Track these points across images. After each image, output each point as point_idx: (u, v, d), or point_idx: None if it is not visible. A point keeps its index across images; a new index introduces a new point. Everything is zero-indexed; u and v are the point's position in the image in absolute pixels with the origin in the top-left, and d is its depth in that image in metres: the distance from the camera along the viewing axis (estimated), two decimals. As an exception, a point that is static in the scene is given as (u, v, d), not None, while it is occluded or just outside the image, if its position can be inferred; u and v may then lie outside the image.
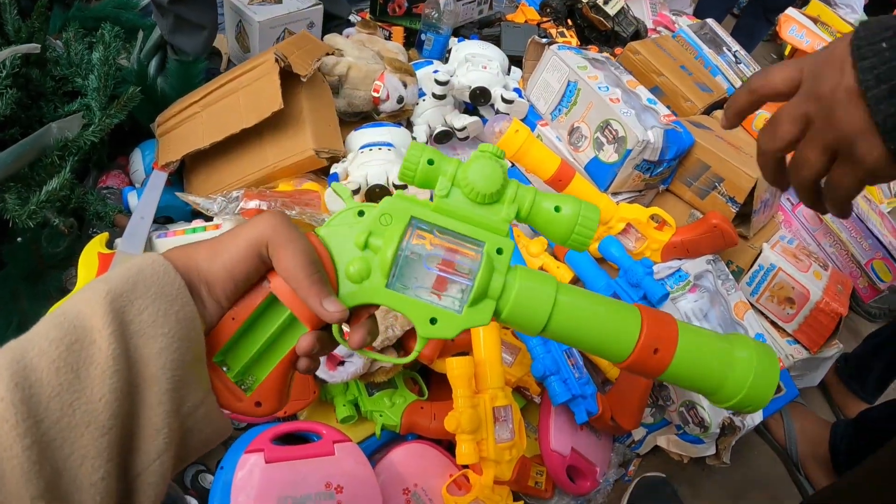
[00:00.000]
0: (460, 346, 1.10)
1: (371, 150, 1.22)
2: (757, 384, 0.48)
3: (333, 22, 1.71)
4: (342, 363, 1.04)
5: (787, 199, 1.52)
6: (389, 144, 1.24)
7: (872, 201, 1.59)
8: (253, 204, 1.09)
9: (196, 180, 1.30)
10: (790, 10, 1.49)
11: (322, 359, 0.93)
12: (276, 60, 1.18)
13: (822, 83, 0.52)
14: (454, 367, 0.99)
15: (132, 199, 1.24)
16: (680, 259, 1.19)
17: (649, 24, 1.90)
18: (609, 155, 1.18)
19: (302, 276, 0.45)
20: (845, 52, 0.51)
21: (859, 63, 0.49)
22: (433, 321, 0.46)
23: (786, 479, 1.40)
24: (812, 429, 1.39)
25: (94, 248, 1.13)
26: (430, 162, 0.49)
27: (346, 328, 0.49)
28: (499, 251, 0.47)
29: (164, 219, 1.28)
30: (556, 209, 0.48)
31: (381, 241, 0.46)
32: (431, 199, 0.49)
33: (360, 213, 0.48)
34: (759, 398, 0.48)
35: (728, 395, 0.49)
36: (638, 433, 1.24)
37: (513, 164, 1.24)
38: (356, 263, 0.46)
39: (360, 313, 0.49)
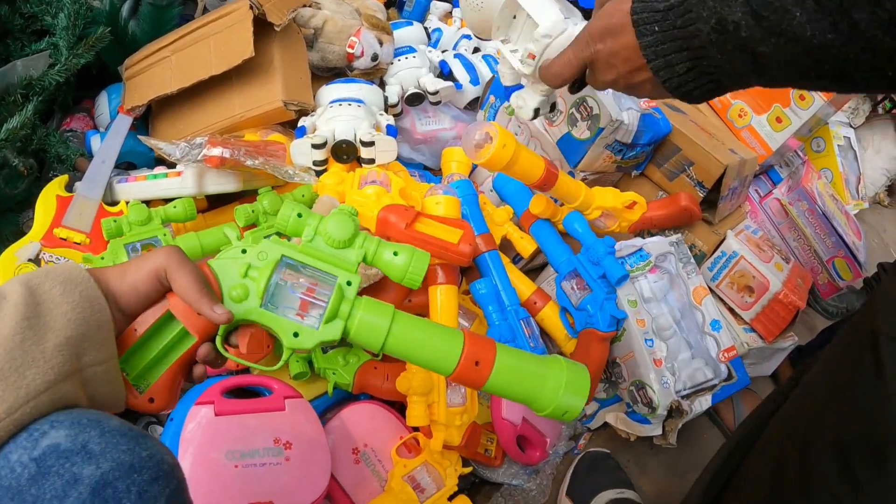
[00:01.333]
0: (418, 306, 1.08)
1: (341, 104, 1.18)
2: (567, 399, 0.61)
3: None
4: None
5: (756, 190, 1.51)
6: (360, 101, 1.21)
7: (839, 201, 1.59)
8: (216, 151, 1.04)
9: (161, 126, 1.26)
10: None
11: None
12: (251, 7, 1.14)
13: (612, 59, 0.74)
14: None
15: (95, 142, 1.20)
16: (643, 238, 1.18)
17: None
18: (581, 131, 1.16)
19: (194, 291, 0.56)
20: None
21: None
22: (296, 335, 0.59)
23: (731, 463, 1.41)
24: (760, 416, 1.40)
25: (52, 191, 1.09)
26: (299, 216, 0.64)
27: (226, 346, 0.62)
28: (348, 283, 0.61)
29: (127, 164, 1.24)
30: (395, 254, 0.65)
31: (258, 272, 0.60)
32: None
33: (244, 251, 0.61)
34: (572, 410, 0.61)
35: (542, 406, 0.62)
36: (590, 408, 1.23)
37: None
38: (237, 288, 0.59)
39: (243, 330, 0.61)
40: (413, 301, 1.09)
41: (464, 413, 0.99)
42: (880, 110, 2.49)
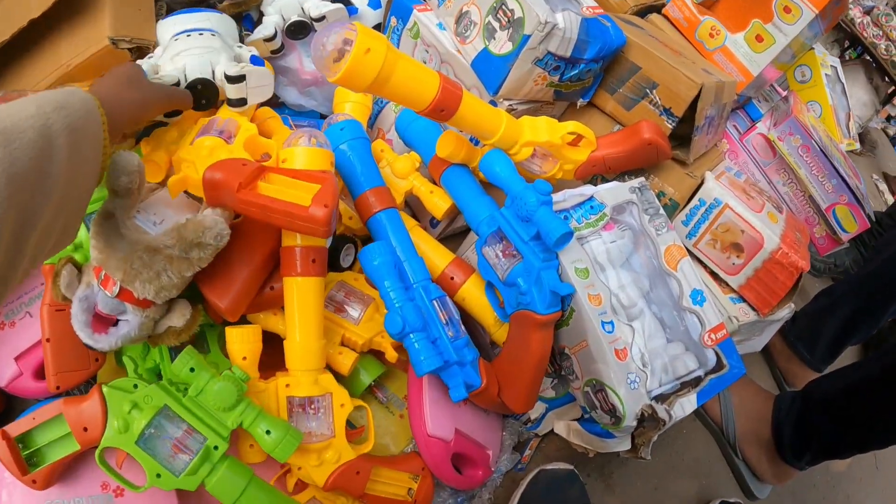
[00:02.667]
0: (280, 295, 0.69)
1: (189, 35, 0.80)
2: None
3: None
4: (117, 323, 0.64)
5: (734, 125, 1.11)
6: (211, 30, 0.81)
7: (833, 140, 1.19)
8: None
9: (5, 84, 0.92)
10: None
11: (86, 317, 0.64)
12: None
13: None
14: (228, 340, 0.67)
15: None
16: (594, 186, 0.78)
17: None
18: (501, 44, 0.76)
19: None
20: None
21: None
22: (158, 476, 0.60)
23: (719, 463, 1.03)
24: (752, 403, 1.02)
25: None
26: (192, 370, 0.62)
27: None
28: (215, 447, 0.61)
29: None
30: (267, 432, 0.62)
31: (140, 414, 0.60)
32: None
33: (135, 386, 0.62)
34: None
35: None
36: (536, 410, 0.85)
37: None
38: (120, 419, 0.60)
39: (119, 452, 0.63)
40: (276, 289, 0.69)
41: (326, 449, 0.66)
42: (847, 57, 2.13)
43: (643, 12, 1.07)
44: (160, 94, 0.68)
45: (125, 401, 0.61)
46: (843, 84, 1.39)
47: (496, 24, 0.77)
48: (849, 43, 2.13)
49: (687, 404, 0.73)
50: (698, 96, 0.81)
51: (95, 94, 0.54)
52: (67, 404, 0.61)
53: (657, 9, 1.09)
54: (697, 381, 0.75)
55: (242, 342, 0.66)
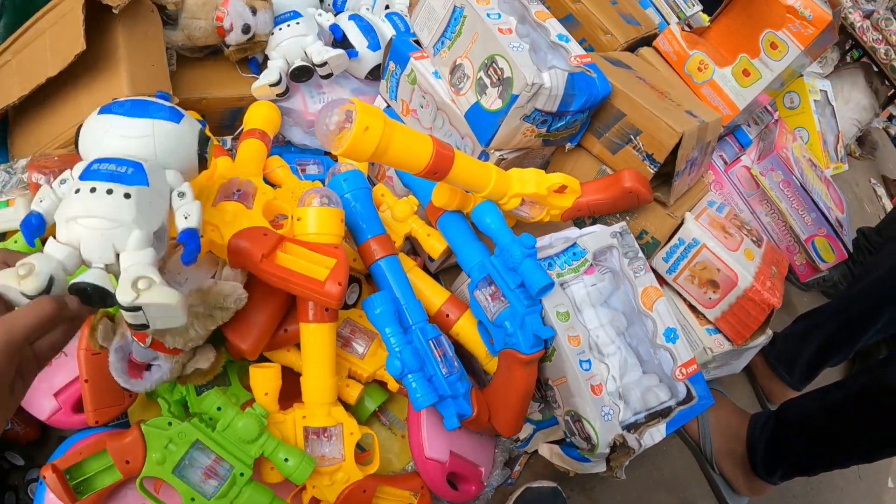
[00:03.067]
0: (294, 336, 0.78)
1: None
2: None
3: None
4: (149, 368, 0.74)
5: (720, 156, 1.18)
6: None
7: (818, 166, 1.26)
8: (36, 177, 0.79)
9: (18, 140, 0.98)
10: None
11: (122, 365, 0.73)
12: (82, -9, 0.83)
13: None
14: (252, 378, 0.76)
15: None
16: (578, 229, 0.86)
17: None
18: (492, 101, 0.83)
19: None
20: None
21: None
22: (192, 499, 0.69)
23: (697, 477, 1.12)
24: (728, 421, 1.11)
25: None
26: (219, 408, 0.74)
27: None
28: (241, 474, 0.70)
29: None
30: (286, 459, 0.72)
31: (176, 447, 0.69)
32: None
33: (170, 424, 0.70)
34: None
35: None
36: (524, 430, 0.95)
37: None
38: (158, 453, 0.68)
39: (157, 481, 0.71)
40: (289, 331, 0.79)
41: (337, 471, 0.76)
42: (849, 59, 2.18)
43: (634, 46, 1.14)
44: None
45: (162, 437, 0.69)
46: (833, 107, 1.45)
47: (487, 81, 0.84)
48: (850, 44, 2.18)
49: (656, 433, 0.81)
50: (679, 143, 0.88)
51: None
52: (111, 440, 0.69)
53: (648, 41, 1.16)
54: (668, 411, 0.84)
55: (265, 381, 0.75)
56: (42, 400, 0.77)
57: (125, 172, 0.55)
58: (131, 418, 0.82)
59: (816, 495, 1.29)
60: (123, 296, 0.51)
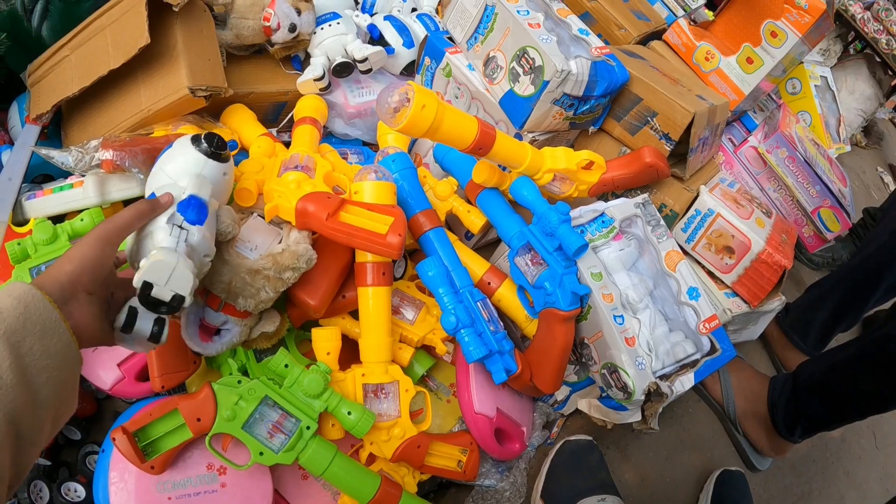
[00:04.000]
0: (352, 301, 0.91)
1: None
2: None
3: None
4: (218, 332, 0.86)
5: (729, 139, 1.32)
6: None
7: (821, 146, 1.40)
8: (110, 154, 0.89)
9: (73, 131, 1.09)
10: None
11: (194, 329, 0.83)
12: (144, -11, 0.96)
13: None
14: (315, 339, 0.87)
15: (6, 157, 1.03)
16: (605, 202, 0.99)
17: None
18: (525, 87, 0.97)
19: (135, 215, 0.69)
20: None
21: None
22: (261, 453, 0.76)
23: (722, 437, 1.25)
24: (750, 384, 1.23)
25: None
26: (286, 366, 0.81)
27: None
28: (307, 427, 0.78)
29: (43, 177, 1.07)
30: (348, 412, 0.81)
31: (246, 403, 0.77)
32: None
33: (239, 382, 0.78)
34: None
35: None
36: (561, 392, 1.07)
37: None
38: (228, 410, 0.76)
39: (225, 437, 0.80)
40: (347, 297, 0.91)
41: (394, 426, 0.86)
42: (852, 51, 2.32)
43: (646, 40, 1.29)
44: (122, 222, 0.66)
45: (233, 394, 0.76)
46: (833, 92, 1.60)
47: (520, 70, 0.99)
48: (853, 36, 2.32)
49: (686, 381, 0.94)
50: (692, 122, 1.02)
51: (40, 284, 0.56)
52: (183, 400, 0.76)
53: (658, 35, 1.31)
54: (695, 363, 0.97)
55: (327, 340, 0.87)
56: (105, 371, 0.86)
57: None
58: (189, 389, 0.90)
59: (836, 461, 1.41)
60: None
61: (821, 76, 1.57)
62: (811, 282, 1.45)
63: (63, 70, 1.06)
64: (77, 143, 1.04)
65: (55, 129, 1.12)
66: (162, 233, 0.68)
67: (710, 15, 1.58)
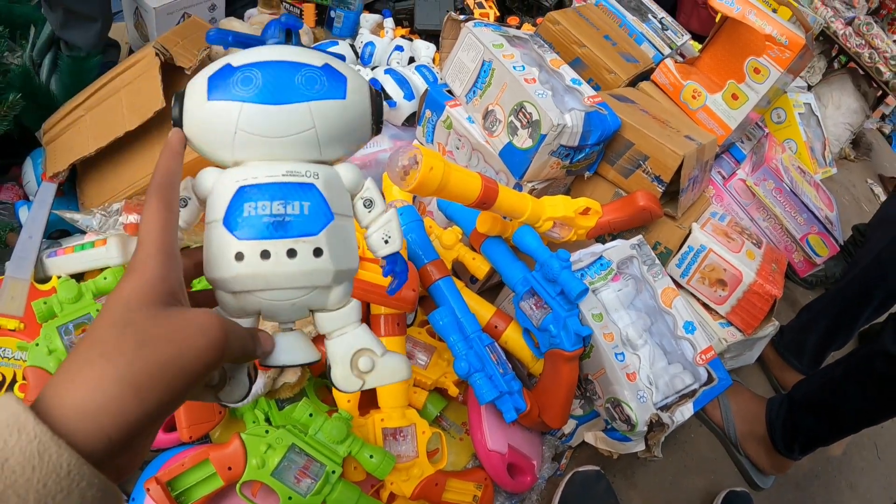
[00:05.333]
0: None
1: None
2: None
3: (239, 2, 1.55)
4: None
5: (719, 172, 1.42)
6: None
7: (807, 172, 1.50)
8: (133, 218, 0.97)
9: (89, 189, 1.17)
10: (718, -25, 1.37)
11: None
12: (157, 54, 1.04)
13: None
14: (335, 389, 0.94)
15: (24, 214, 1.11)
16: (602, 244, 1.09)
17: (577, -9, 1.77)
18: (523, 140, 1.06)
19: (248, 348, 0.44)
20: None
21: None
22: (290, 498, 0.81)
23: (725, 460, 1.33)
24: (748, 407, 1.32)
25: (-19, 276, 1.02)
26: (311, 415, 0.89)
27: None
28: (333, 472, 0.84)
29: (59, 233, 1.15)
30: (371, 456, 0.87)
31: (274, 452, 0.82)
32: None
33: (266, 431, 0.84)
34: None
35: None
36: (568, 426, 1.15)
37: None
38: (258, 458, 0.82)
39: (254, 484, 0.84)
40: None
41: (412, 467, 0.94)
42: (836, 65, 2.43)
43: (636, 80, 1.39)
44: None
45: (261, 443, 0.82)
46: (817, 117, 1.70)
47: (518, 124, 1.08)
48: (837, 50, 2.43)
49: (686, 411, 1.03)
50: (682, 164, 1.12)
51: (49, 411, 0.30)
52: (214, 451, 0.82)
53: (647, 75, 1.41)
54: (693, 392, 1.06)
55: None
56: None
57: (302, 215, 0.42)
58: (213, 438, 0.97)
59: (838, 474, 1.49)
60: (346, 385, 0.46)
61: (804, 103, 1.67)
62: (805, 302, 1.54)
63: (79, 130, 1.13)
64: (93, 199, 1.12)
65: (70, 185, 1.18)
66: None
67: (696, 47, 1.68)
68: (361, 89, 0.46)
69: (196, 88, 0.44)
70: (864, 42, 2.20)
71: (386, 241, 0.49)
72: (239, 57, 0.44)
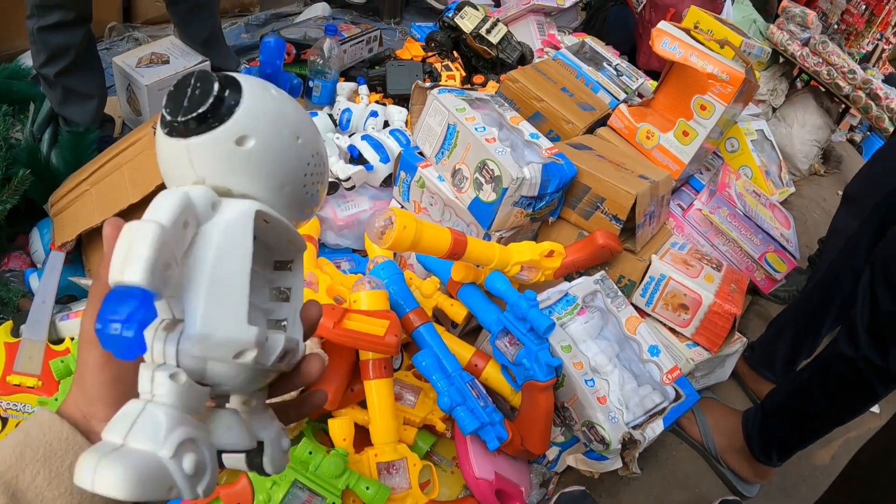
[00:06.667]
0: (360, 394, 1.11)
1: None
2: None
3: None
4: None
5: (678, 204, 1.55)
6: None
7: (762, 195, 1.63)
8: None
9: (95, 257, 1.29)
10: (662, 24, 1.52)
11: None
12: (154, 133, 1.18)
13: None
14: (332, 428, 1.06)
15: (34, 281, 1.24)
16: (569, 282, 1.21)
17: (537, 46, 1.92)
18: (488, 194, 1.20)
19: None
20: None
21: None
22: None
23: (707, 473, 1.43)
24: (724, 421, 1.42)
25: (-1, 339, 1.13)
26: (310, 452, 0.98)
27: None
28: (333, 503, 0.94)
29: (68, 298, 1.27)
30: (367, 488, 0.97)
31: (278, 487, 0.92)
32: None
33: None
34: None
35: None
36: (552, 453, 1.26)
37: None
38: (264, 493, 0.91)
39: None
40: (354, 390, 1.12)
41: (406, 497, 1.04)
42: (799, 84, 2.56)
43: (593, 127, 1.53)
44: None
45: (267, 480, 0.92)
46: (771, 141, 1.84)
47: (482, 179, 1.21)
48: (798, 70, 2.57)
49: (656, 427, 1.14)
50: (636, 202, 1.25)
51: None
52: (224, 489, 0.92)
53: (604, 121, 1.55)
54: (663, 410, 1.18)
55: (342, 428, 1.06)
56: None
57: None
58: (220, 483, 1.06)
59: (826, 478, 1.57)
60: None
61: (756, 130, 1.81)
62: (770, 320, 1.66)
63: (84, 203, 1.26)
64: (98, 266, 1.24)
65: (76, 254, 1.30)
66: None
67: (653, 86, 1.83)
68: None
69: None
70: (821, 60, 2.30)
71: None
72: None
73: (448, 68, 1.70)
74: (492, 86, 1.64)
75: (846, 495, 1.04)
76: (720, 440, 1.41)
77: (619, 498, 1.30)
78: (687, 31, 1.54)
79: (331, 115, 1.54)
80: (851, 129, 3.10)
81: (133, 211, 1.19)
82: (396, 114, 1.55)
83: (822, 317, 1.46)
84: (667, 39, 1.50)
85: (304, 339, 0.46)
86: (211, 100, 0.36)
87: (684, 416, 1.39)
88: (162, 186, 0.92)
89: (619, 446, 1.12)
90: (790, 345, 1.50)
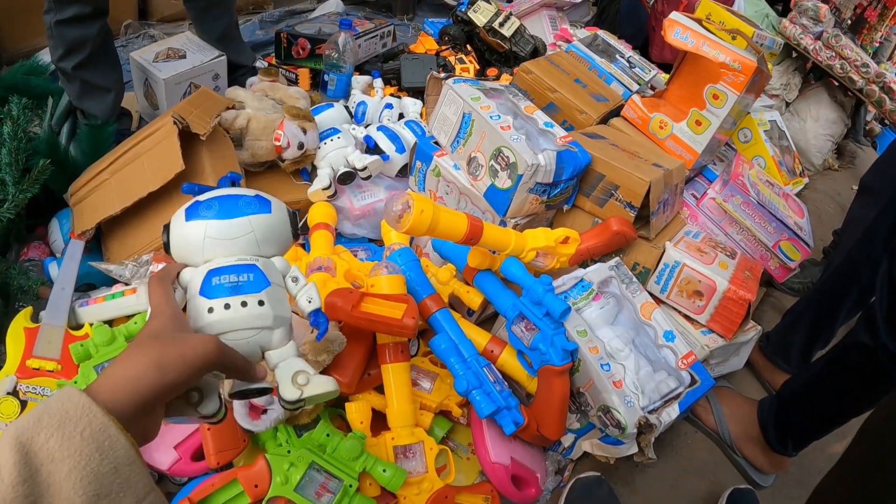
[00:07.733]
0: (377, 378, 1.13)
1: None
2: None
3: (239, 71, 1.73)
4: (265, 411, 1.07)
5: (692, 194, 1.57)
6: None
7: (776, 185, 1.65)
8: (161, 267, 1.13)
9: (113, 245, 1.32)
10: (674, 14, 1.53)
11: (245, 409, 1.01)
12: (175, 123, 1.21)
13: None
14: (349, 412, 1.08)
15: (53, 269, 1.26)
16: (584, 269, 1.23)
17: (550, 40, 1.94)
18: (503, 181, 1.22)
19: (239, 364, 0.62)
20: None
21: None
22: None
23: (723, 462, 1.44)
24: (740, 409, 1.43)
25: (19, 324, 1.15)
26: (328, 435, 1.00)
27: None
28: (350, 486, 0.96)
29: (87, 286, 1.30)
30: (384, 470, 0.99)
31: (295, 469, 0.94)
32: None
33: (289, 451, 0.96)
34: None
35: None
36: (567, 439, 1.27)
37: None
38: (281, 475, 0.93)
39: (279, 500, 0.93)
40: (372, 374, 1.13)
41: (423, 481, 1.05)
42: (812, 78, 2.57)
43: (607, 118, 1.54)
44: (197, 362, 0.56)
45: (284, 462, 0.94)
46: (784, 132, 1.85)
47: (497, 167, 1.23)
48: (811, 66, 2.57)
49: (672, 412, 1.16)
50: (650, 189, 1.26)
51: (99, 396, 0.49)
52: (241, 471, 0.93)
53: (617, 112, 1.57)
54: (678, 395, 1.19)
55: (359, 412, 1.07)
56: (162, 453, 1.03)
57: (249, 281, 0.67)
58: (236, 465, 1.06)
59: (838, 471, 1.60)
60: (288, 394, 0.67)
61: (769, 121, 1.82)
62: (785, 310, 1.67)
63: (104, 192, 1.29)
64: (116, 255, 1.27)
65: (95, 242, 1.33)
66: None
67: (665, 79, 1.84)
68: (281, 208, 0.75)
69: (178, 217, 0.70)
70: (834, 54, 2.30)
71: (309, 301, 0.76)
72: (203, 196, 0.71)
73: (462, 61, 1.73)
74: (505, 79, 1.66)
75: (858, 458, 1.05)
76: (735, 428, 1.42)
77: (635, 486, 1.32)
78: (699, 22, 1.56)
79: (346, 108, 1.56)
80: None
81: (152, 199, 1.22)
82: (411, 106, 1.57)
83: (838, 306, 1.47)
84: (679, 29, 1.51)
85: None
86: None
87: (699, 404, 1.40)
88: (180, 175, 1.08)
89: (635, 430, 1.13)
90: (806, 334, 1.51)
